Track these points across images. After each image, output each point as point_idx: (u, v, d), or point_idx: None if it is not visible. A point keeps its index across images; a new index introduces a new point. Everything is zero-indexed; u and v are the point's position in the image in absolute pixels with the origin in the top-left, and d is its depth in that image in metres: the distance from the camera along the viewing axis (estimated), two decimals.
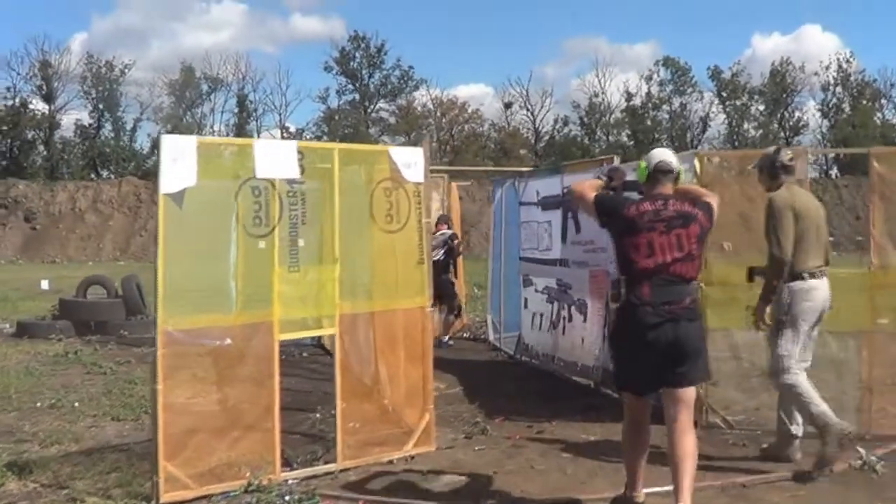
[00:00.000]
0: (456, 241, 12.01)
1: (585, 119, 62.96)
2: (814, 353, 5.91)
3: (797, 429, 5.82)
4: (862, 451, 5.60)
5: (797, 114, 62.90)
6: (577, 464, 5.86)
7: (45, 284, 20.12)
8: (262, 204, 5.22)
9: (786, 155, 5.90)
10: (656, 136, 60.01)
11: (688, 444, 4.49)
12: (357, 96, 61.90)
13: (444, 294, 11.68)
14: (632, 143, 57.65)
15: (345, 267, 5.58)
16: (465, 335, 12.37)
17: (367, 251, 5.86)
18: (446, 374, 9.10)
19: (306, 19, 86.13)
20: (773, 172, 5.89)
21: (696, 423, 5.02)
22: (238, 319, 5.21)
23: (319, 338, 10.14)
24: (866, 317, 6.47)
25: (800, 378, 5.62)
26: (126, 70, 57.77)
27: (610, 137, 61.43)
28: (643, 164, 4.88)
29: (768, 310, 5.71)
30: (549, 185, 9.49)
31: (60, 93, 56.40)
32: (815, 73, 61.20)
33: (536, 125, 63.42)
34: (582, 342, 8.45)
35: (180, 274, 4.98)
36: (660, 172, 4.80)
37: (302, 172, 5.40)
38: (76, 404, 7.88)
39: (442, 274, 11.60)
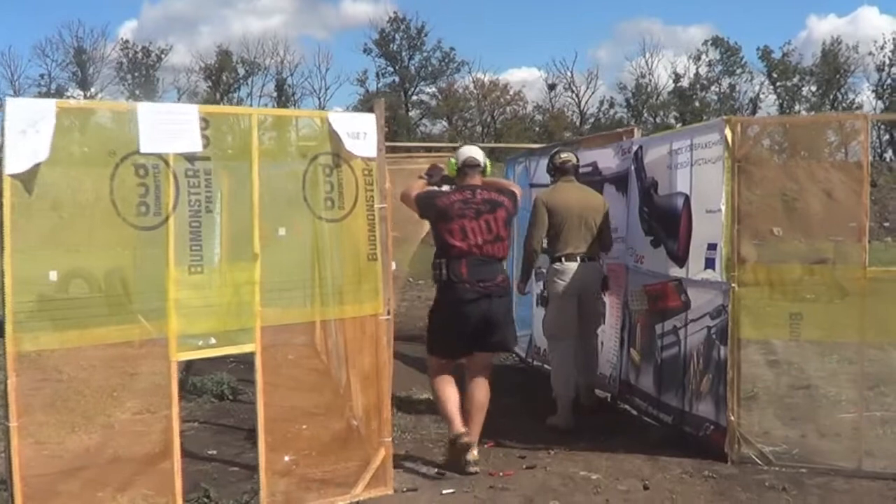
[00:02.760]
0: None
1: (632, 101, 60.96)
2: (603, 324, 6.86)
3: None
4: None
5: (851, 95, 59.94)
6: None
7: (52, 276, 19.21)
8: (149, 187, 4.04)
9: (558, 158, 6.63)
10: (705, 117, 57.82)
11: (482, 396, 5.41)
12: (397, 79, 60.63)
13: None
14: (679, 124, 55.49)
15: (267, 267, 4.38)
16: None
17: (298, 246, 4.61)
18: None
19: (356, 4, 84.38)
20: (550, 172, 6.74)
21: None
22: (118, 336, 4.03)
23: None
24: None
25: (560, 345, 6.49)
26: (162, 55, 57.54)
27: (657, 119, 59.38)
28: (453, 160, 5.62)
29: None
30: None
31: (96, 79, 56.34)
32: (870, 53, 58.18)
33: (581, 107, 61.52)
34: (599, 346, 7.17)
35: (36, 279, 3.88)
36: (467, 167, 5.58)
37: (207, 145, 4.21)
38: None
39: None
